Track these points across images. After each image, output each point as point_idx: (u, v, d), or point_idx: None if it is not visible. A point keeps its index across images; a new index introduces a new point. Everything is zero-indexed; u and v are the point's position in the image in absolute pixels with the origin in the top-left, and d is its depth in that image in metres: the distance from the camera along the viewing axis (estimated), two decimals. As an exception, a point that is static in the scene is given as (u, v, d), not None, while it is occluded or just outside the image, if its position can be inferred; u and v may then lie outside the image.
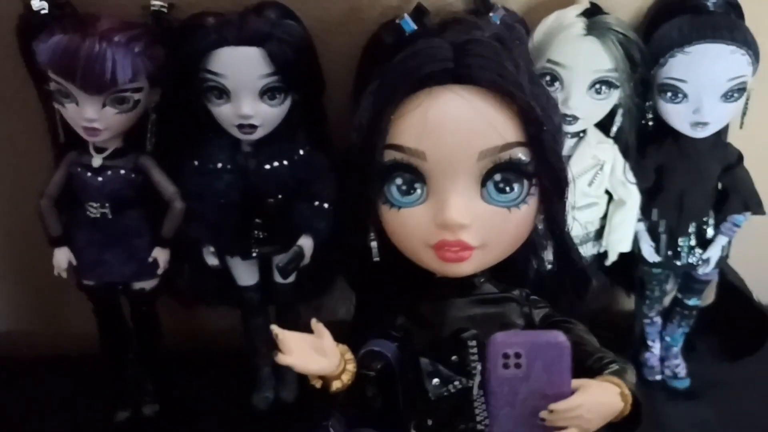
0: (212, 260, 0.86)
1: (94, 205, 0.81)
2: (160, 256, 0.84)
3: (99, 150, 0.80)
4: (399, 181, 0.55)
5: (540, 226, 0.59)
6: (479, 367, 0.56)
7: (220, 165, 0.81)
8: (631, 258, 0.93)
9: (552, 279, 0.62)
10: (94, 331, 0.91)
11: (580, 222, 0.88)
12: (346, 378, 0.54)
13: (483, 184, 0.54)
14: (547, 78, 0.82)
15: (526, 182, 0.54)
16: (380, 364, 0.57)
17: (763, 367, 0.97)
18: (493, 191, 0.54)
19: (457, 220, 0.53)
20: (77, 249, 0.84)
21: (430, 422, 0.58)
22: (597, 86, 0.81)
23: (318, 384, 0.53)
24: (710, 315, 1.03)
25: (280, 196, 0.82)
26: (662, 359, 1.01)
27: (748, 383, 0.97)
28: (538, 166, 0.54)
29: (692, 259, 0.91)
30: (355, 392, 0.55)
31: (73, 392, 0.96)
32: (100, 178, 0.80)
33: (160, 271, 0.85)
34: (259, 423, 0.93)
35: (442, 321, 0.57)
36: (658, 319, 1.00)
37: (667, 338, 1.01)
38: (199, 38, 0.75)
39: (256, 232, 0.84)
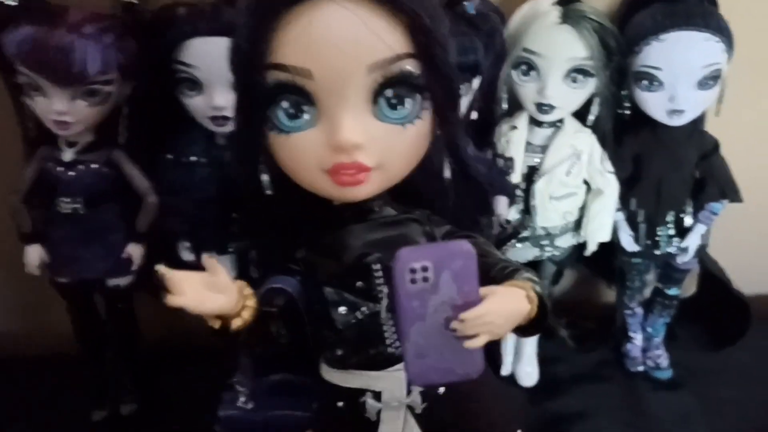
0: (188, 255, 0.85)
1: (66, 200, 0.80)
2: (135, 251, 0.83)
3: (70, 144, 0.79)
4: (285, 104, 0.51)
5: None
6: (386, 290, 0.55)
7: (194, 158, 0.81)
8: (611, 249, 0.93)
9: (452, 196, 0.60)
10: (71, 330, 0.90)
11: (558, 212, 0.88)
12: (247, 315, 0.50)
13: (374, 101, 0.51)
14: (523, 67, 0.82)
15: (418, 96, 0.52)
16: (282, 301, 0.54)
17: (744, 356, 0.98)
18: (385, 108, 0.51)
19: (352, 139, 0.50)
20: (51, 246, 0.83)
21: (340, 352, 0.57)
22: (573, 75, 0.81)
23: (216, 324, 0.49)
24: (691, 305, 1.03)
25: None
26: (644, 350, 1.01)
27: (729, 372, 0.98)
28: (430, 78, 0.52)
29: (671, 248, 0.91)
30: (257, 331, 0.51)
31: (50, 392, 0.95)
32: (71, 173, 0.79)
33: (134, 267, 0.84)
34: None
35: (343, 248, 0.55)
36: (640, 310, 1.00)
37: (649, 329, 1.01)
38: (171, 29, 0.75)
39: (232, 226, 0.83)
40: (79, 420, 0.90)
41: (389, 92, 0.51)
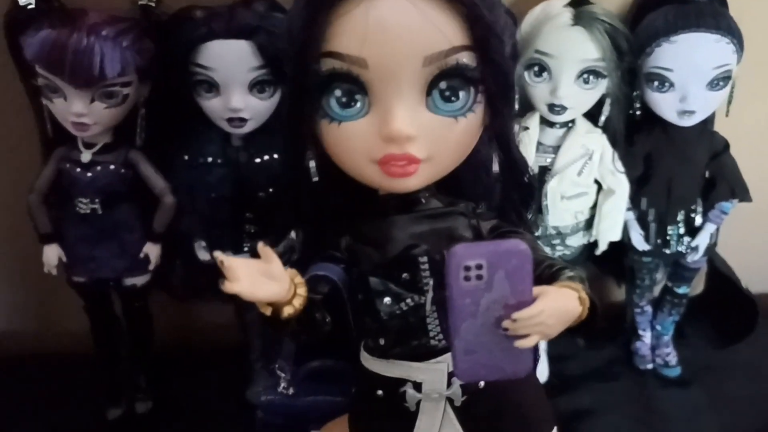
0: (204, 255, 0.86)
1: (84, 200, 0.80)
2: (152, 251, 0.84)
3: (88, 145, 0.80)
4: (338, 92, 0.51)
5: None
6: (431, 283, 0.55)
7: (210, 159, 0.81)
8: (621, 248, 0.94)
9: (498, 191, 0.60)
10: (86, 329, 0.91)
11: (570, 211, 0.89)
12: (298, 303, 0.50)
13: (428, 92, 0.50)
14: (536, 68, 0.83)
15: (472, 89, 0.51)
16: (326, 288, 0.54)
17: (752, 353, 0.99)
18: (438, 100, 0.51)
19: (404, 131, 0.50)
20: (68, 245, 0.83)
21: (382, 341, 0.57)
22: (585, 76, 0.82)
23: (268, 311, 0.49)
24: (700, 303, 1.04)
25: (270, 190, 0.82)
26: (653, 348, 1.02)
27: (738, 369, 0.98)
28: (485, 71, 0.51)
29: (681, 247, 0.92)
30: (304, 318, 0.51)
31: (66, 390, 0.96)
32: (89, 174, 0.80)
33: (151, 267, 0.85)
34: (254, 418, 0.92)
35: (388, 239, 0.55)
36: (649, 308, 1.01)
37: (658, 327, 1.01)
38: (188, 31, 0.75)
39: (247, 226, 0.84)
40: (94, 418, 0.91)
41: (444, 84, 0.50)
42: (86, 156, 0.80)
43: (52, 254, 0.83)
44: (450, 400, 0.58)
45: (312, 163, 0.56)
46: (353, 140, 0.52)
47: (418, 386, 0.58)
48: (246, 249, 0.86)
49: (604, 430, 0.90)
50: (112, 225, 0.82)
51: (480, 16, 0.49)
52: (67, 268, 0.85)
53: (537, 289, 0.47)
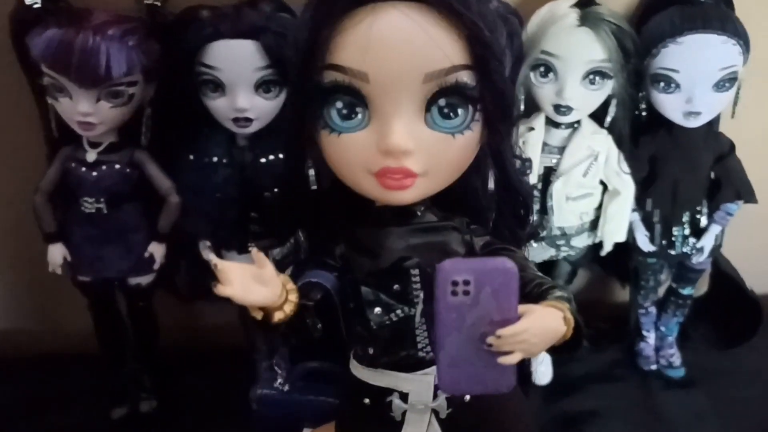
0: (208, 255, 0.86)
1: (89, 200, 0.81)
2: (157, 251, 0.84)
3: (93, 145, 0.80)
4: (339, 104, 0.52)
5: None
6: (422, 295, 0.56)
7: (215, 159, 0.81)
8: (626, 249, 0.94)
9: (493, 207, 0.61)
10: (90, 328, 0.91)
11: (575, 212, 0.88)
12: (289, 308, 0.51)
13: (427, 109, 0.52)
14: (542, 69, 0.82)
15: (470, 107, 0.52)
16: (319, 295, 0.55)
17: (756, 355, 0.99)
18: (437, 117, 0.52)
19: (402, 145, 0.51)
20: (73, 245, 0.83)
21: (371, 350, 0.58)
22: (591, 77, 0.81)
23: (259, 315, 0.50)
24: (704, 304, 1.04)
25: (276, 190, 0.82)
26: (657, 349, 1.01)
27: (741, 371, 0.98)
28: (483, 90, 0.52)
29: (686, 249, 0.92)
30: (295, 323, 0.52)
31: (70, 390, 0.96)
32: (94, 173, 0.80)
33: (156, 266, 0.85)
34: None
35: (382, 250, 0.56)
36: (653, 309, 1.01)
37: (662, 328, 1.01)
38: (194, 31, 0.75)
39: (252, 226, 0.84)
40: (98, 418, 0.91)
41: (443, 101, 0.52)
42: (91, 155, 0.80)
43: (57, 253, 0.83)
44: (435, 412, 0.59)
45: (311, 171, 0.57)
46: (352, 151, 0.53)
47: (404, 396, 0.58)
48: (251, 249, 0.85)
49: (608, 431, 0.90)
50: (118, 225, 0.82)
51: (480, 36, 0.51)
52: (72, 267, 0.85)
53: (523, 308, 0.47)
